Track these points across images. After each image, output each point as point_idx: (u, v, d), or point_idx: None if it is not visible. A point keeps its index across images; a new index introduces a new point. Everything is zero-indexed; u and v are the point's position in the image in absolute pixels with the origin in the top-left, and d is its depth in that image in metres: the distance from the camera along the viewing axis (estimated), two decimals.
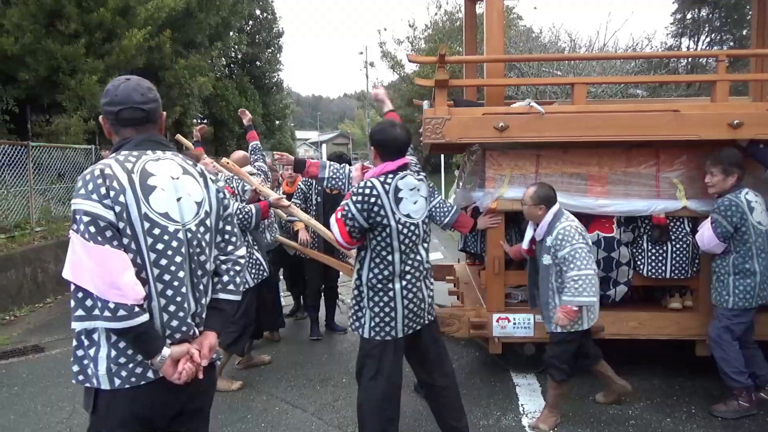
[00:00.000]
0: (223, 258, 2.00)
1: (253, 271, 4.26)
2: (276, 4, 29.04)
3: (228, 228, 2.02)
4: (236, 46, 24.16)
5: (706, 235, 3.66)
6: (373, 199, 2.74)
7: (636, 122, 3.76)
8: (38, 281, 7.46)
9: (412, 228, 2.84)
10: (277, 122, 29.70)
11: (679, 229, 3.99)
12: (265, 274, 4.36)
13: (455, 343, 5.02)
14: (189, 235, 1.84)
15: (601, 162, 4.03)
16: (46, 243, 7.93)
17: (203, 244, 1.89)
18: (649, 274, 3.99)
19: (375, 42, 37.36)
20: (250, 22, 26.05)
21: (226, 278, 1.99)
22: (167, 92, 13.40)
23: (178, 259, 1.79)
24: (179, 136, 5.98)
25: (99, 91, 10.33)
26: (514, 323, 4.14)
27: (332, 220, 2.86)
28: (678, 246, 3.95)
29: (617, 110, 3.86)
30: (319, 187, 5.30)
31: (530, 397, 4.01)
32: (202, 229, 1.89)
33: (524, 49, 17.11)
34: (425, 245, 2.96)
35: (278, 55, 28.47)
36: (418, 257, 2.91)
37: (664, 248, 3.95)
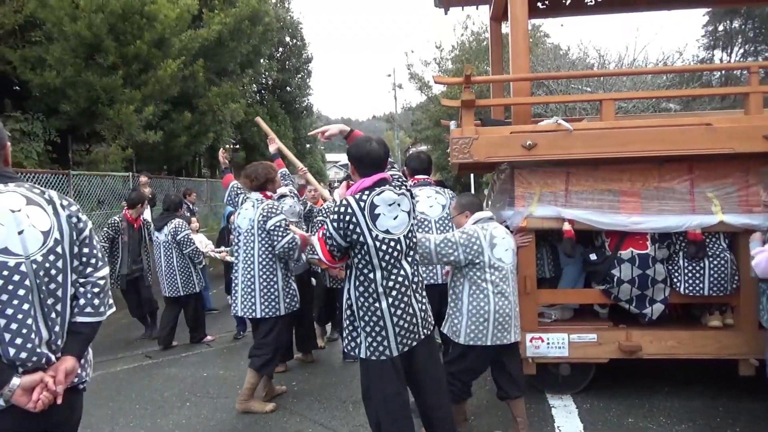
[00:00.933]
0: (82, 281, 2.01)
1: (287, 300, 4.30)
2: (305, 31, 29.62)
3: (86, 251, 2.01)
4: (267, 73, 24.71)
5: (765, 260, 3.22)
6: (348, 218, 2.66)
7: (667, 137, 3.71)
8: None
9: (392, 244, 2.71)
10: (308, 146, 30.12)
11: (716, 245, 3.89)
12: (297, 306, 4.41)
13: None
14: (34, 266, 1.84)
15: (633, 178, 3.97)
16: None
17: (53, 272, 1.90)
18: (687, 291, 3.89)
19: (403, 64, 37.71)
20: (280, 49, 26.63)
21: (83, 301, 1.98)
22: (201, 119, 13.75)
23: (21, 292, 1.81)
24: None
25: (136, 120, 10.70)
26: (548, 343, 4.07)
27: (314, 239, 2.90)
28: (716, 262, 3.85)
29: (647, 125, 3.82)
30: None
31: (566, 419, 3.92)
32: (51, 257, 1.90)
33: (552, 67, 17.05)
34: (409, 259, 2.81)
35: (308, 80, 29.01)
36: (402, 272, 2.77)
37: (701, 264, 3.86)
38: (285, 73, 26.67)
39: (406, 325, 2.76)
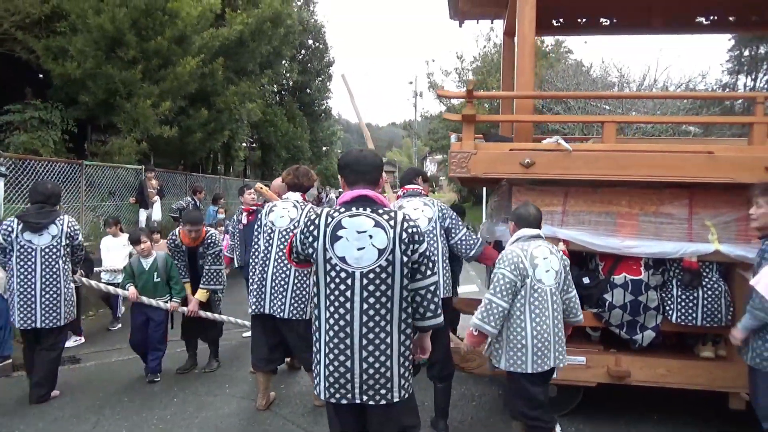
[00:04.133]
0: None
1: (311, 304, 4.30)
2: (328, 35, 29.85)
3: None
4: (288, 74, 24.95)
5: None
6: (311, 228, 2.45)
7: (667, 163, 3.67)
8: (82, 294, 7.74)
9: (342, 275, 2.37)
10: (324, 148, 30.32)
11: (711, 275, 3.84)
12: None
13: (478, 380, 4.93)
14: None
15: (632, 201, 3.93)
16: (93, 258, 8.25)
17: None
18: (679, 320, 3.84)
19: (424, 72, 37.78)
20: (303, 51, 26.86)
21: None
22: (217, 117, 13.90)
23: None
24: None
25: (152, 114, 10.85)
26: None
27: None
28: (710, 292, 3.80)
29: (648, 150, 3.78)
30: None
31: None
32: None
33: (572, 83, 16.98)
34: (366, 305, 2.36)
35: (328, 84, 29.23)
36: (348, 316, 2.37)
37: (695, 294, 3.81)
38: (306, 75, 26.92)
39: (337, 375, 2.41)
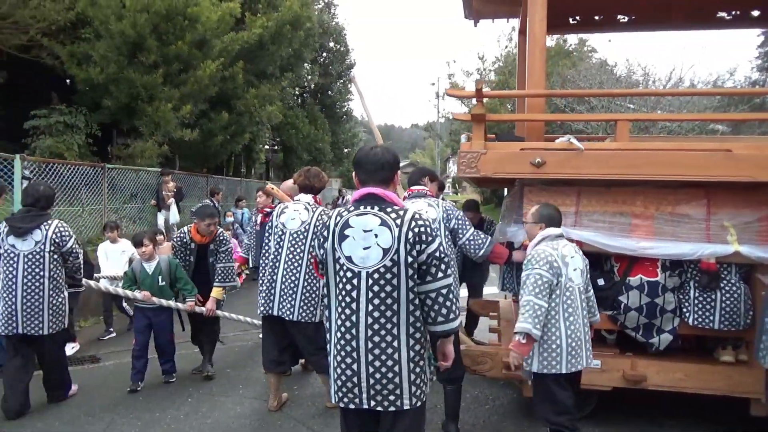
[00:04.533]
0: None
1: (322, 307, 4.26)
2: (349, 37, 29.97)
3: None
4: (309, 77, 25.08)
5: None
6: (323, 228, 2.46)
7: (682, 161, 3.57)
8: (81, 300, 7.86)
9: (349, 275, 2.34)
10: (346, 150, 30.40)
11: (730, 276, 3.72)
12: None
13: (492, 383, 4.87)
14: None
15: (647, 201, 3.85)
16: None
17: None
18: (696, 323, 3.74)
19: (445, 73, 37.68)
20: (324, 54, 26.98)
21: None
22: (238, 119, 14.02)
23: None
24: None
25: (173, 118, 11.00)
26: None
27: None
28: (728, 294, 3.69)
29: (662, 148, 3.69)
30: None
31: None
32: None
33: (595, 83, 16.71)
34: (371, 307, 2.31)
35: (349, 86, 29.26)
36: (354, 317, 2.33)
37: (713, 296, 3.70)
38: (327, 77, 27.03)
39: (344, 378, 2.39)
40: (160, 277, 4.91)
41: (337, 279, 2.37)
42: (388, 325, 2.31)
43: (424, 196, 3.98)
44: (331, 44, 27.38)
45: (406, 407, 2.35)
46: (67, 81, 12.05)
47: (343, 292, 2.35)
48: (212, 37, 11.60)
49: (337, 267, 2.37)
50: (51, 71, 11.45)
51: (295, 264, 4.16)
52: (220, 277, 5.07)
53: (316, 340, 4.28)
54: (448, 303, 2.34)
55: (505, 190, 17.00)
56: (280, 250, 4.22)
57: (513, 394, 4.75)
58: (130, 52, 10.63)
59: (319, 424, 4.16)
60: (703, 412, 4.16)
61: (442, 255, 2.34)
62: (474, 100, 4.03)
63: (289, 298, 4.14)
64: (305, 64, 22.33)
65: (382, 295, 2.30)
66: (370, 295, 2.31)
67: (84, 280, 4.90)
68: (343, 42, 28.07)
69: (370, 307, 2.30)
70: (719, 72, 25.04)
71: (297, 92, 25.78)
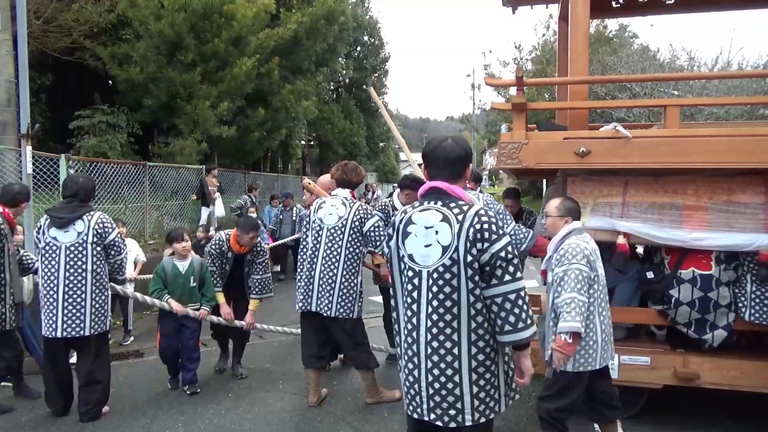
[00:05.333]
0: None
1: (360, 303, 4.26)
2: (383, 30, 29.87)
3: None
4: (344, 71, 25.11)
5: None
6: (390, 225, 2.37)
7: (737, 148, 3.37)
8: (148, 290, 8.04)
9: (411, 275, 2.21)
10: (381, 144, 30.40)
11: None
12: (362, 310, 4.35)
13: (535, 379, 4.73)
14: None
15: (700, 190, 3.66)
16: (158, 255, 8.56)
17: None
18: (753, 318, 3.54)
19: (481, 64, 37.21)
20: (358, 48, 26.99)
21: None
22: (274, 116, 14.14)
23: None
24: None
25: (211, 115, 11.15)
26: None
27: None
28: None
29: (715, 134, 3.49)
30: (396, 212, 5.20)
31: None
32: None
33: (637, 69, 16.20)
34: (430, 309, 2.16)
35: (384, 79, 29.25)
36: (415, 319, 2.20)
37: None
38: (362, 71, 27.05)
39: (408, 385, 2.27)
40: (192, 278, 4.72)
41: (402, 278, 2.26)
42: (448, 330, 2.14)
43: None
44: (366, 38, 27.38)
45: (468, 423, 2.16)
46: (109, 82, 12.37)
47: (406, 292, 2.24)
48: (248, 33, 11.70)
49: (402, 266, 2.26)
50: (94, 72, 11.79)
51: (333, 260, 4.13)
52: (257, 290, 4.93)
53: (355, 336, 4.26)
54: (516, 310, 2.10)
55: (544, 181, 16.69)
56: (318, 245, 4.20)
57: None
58: (168, 52, 10.83)
59: (359, 420, 4.13)
60: (760, 412, 3.95)
61: (510, 255, 2.11)
62: (513, 90, 3.90)
63: (327, 294, 4.12)
64: (340, 59, 22.34)
65: (441, 296, 2.13)
66: (430, 296, 2.15)
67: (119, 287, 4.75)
68: (377, 35, 28.04)
69: (430, 309, 2.15)
70: None
71: (332, 87, 25.86)
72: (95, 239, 3.99)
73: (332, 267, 4.13)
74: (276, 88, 13.81)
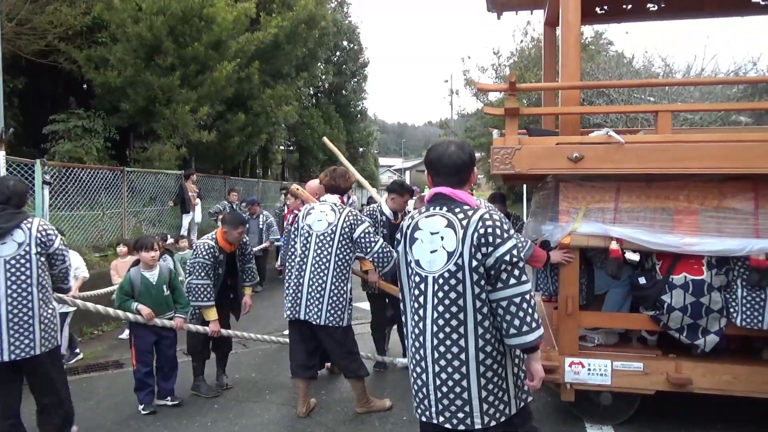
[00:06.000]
0: None
1: (350, 311, 4.18)
2: (362, 35, 29.89)
3: None
4: (323, 76, 25.00)
5: None
6: (399, 231, 2.41)
7: (729, 153, 3.39)
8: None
9: (417, 280, 2.24)
10: (361, 149, 30.32)
11: None
12: (351, 318, 4.27)
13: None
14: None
15: (691, 196, 3.67)
16: None
17: None
18: (744, 323, 3.55)
19: (460, 69, 37.48)
20: (337, 53, 26.90)
21: None
22: (254, 120, 13.98)
23: None
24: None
25: (191, 120, 10.97)
26: (589, 369, 3.81)
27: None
28: None
29: (707, 140, 3.51)
30: (384, 218, 5.15)
31: None
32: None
33: (614, 75, 16.43)
34: (436, 314, 2.19)
35: (363, 84, 29.27)
36: (422, 324, 2.23)
37: (763, 295, 3.51)
38: (341, 76, 26.95)
39: (416, 388, 2.31)
40: (164, 286, 4.49)
41: (411, 284, 2.29)
42: (454, 335, 2.17)
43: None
44: (345, 43, 27.29)
45: (477, 426, 2.18)
46: (84, 86, 12.08)
47: (413, 298, 2.28)
48: (228, 37, 11.57)
49: (409, 271, 2.29)
50: (69, 76, 11.48)
51: (322, 267, 4.05)
52: (248, 277, 4.97)
53: (345, 344, 4.18)
54: (521, 313, 2.10)
55: (524, 187, 16.71)
56: (306, 252, 4.12)
57: (548, 398, 4.59)
58: (146, 55, 10.62)
59: (350, 430, 4.05)
60: (752, 416, 3.97)
61: (515, 259, 2.12)
62: (494, 95, 3.88)
63: (316, 302, 4.04)
64: (320, 64, 22.25)
65: (447, 302, 2.17)
66: (435, 301, 2.19)
67: (68, 297, 4.38)
68: (357, 41, 27.97)
69: (435, 314, 2.19)
70: (743, 61, 24.50)
71: (312, 92, 25.72)
72: (39, 249, 3.49)
73: (322, 274, 4.05)
74: (256, 93, 13.67)
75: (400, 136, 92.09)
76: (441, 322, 2.18)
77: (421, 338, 2.23)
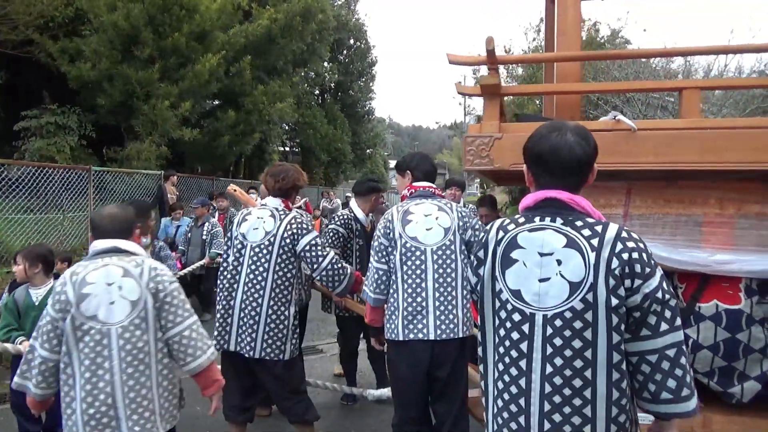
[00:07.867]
0: None
1: (294, 340, 3.40)
2: (371, 34, 29.38)
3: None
4: (328, 75, 24.49)
5: None
6: (479, 248, 1.79)
7: None
8: None
9: (516, 318, 1.67)
10: (368, 151, 29.76)
11: None
12: (298, 349, 3.59)
13: None
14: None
15: (725, 200, 2.85)
16: None
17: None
18: None
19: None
20: (344, 52, 26.39)
21: None
22: (246, 118, 13.40)
23: None
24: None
25: (171, 116, 10.33)
26: None
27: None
28: None
29: (747, 125, 2.67)
30: (359, 225, 4.41)
31: None
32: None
33: (630, 73, 15.57)
34: (550, 371, 1.62)
35: (371, 84, 28.72)
36: (524, 382, 1.67)
37: None
38: (348, 76, 26.47)
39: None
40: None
41: (497, 321, 1.68)
42: (577, 401, 1.56)
43: (431, 195, 3.07)
44: (352, 41, 26.76)
45: None
46: (60, 80, 11.56)
47: (507, 342, 1.65)
48: (213, 28, 11.02)
49: (497, 304, 1.68)
50: (47, 70, 10.94)
51: (257, 286, 3.25)
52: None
53: (288, 382, 3.37)
54: (677, 371, 1.55)
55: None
56: (239, 267, 3.32)
57: None
58: (123, 47, 10.11)
59: None
60: None
61: (667, 296, 1.57)
62: (485, 68, 3.07)
63: (249, 330, 3.24)
64: (324, 63, 21.73)
65: (568, 353, 1.56)
66: (549, 350, 1.58)
67: None
68: (364, 39, 27.43)
69: (549, 370, 1.58)
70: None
71: (317, 92, 25.23)
72: None
73: (256, 295, 3.25)
74: (248, 89, 13.10)
75: (415, 139, 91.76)
76: (558, 380, 1.56)
77: (521, 401, 1.60)
